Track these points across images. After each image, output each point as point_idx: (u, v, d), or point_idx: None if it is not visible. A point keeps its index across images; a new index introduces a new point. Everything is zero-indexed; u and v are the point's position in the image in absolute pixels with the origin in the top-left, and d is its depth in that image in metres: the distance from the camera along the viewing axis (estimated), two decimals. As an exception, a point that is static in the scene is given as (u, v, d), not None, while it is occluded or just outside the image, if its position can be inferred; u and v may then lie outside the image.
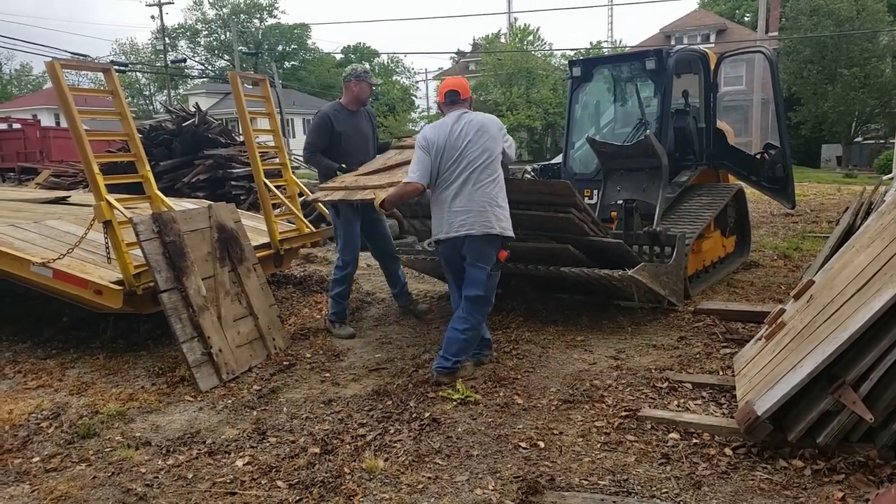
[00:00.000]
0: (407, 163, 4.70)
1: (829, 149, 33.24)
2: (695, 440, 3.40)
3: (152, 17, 68.76)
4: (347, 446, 3.47)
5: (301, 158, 6.49)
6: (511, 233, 4.38)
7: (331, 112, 5.52)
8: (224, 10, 59.48)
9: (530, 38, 44.63)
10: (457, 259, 4.39)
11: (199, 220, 4.87)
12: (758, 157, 7.77)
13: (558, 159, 8.35)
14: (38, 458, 3.45)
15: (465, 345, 4.34)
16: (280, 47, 62.24)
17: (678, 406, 3.83)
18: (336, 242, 5.80)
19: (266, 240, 6.11)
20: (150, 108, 60.20)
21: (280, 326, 5.23)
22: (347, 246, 5.52)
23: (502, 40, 46.98)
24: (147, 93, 64.06)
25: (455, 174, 4.26)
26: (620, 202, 6.22)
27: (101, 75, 5.25)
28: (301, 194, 6.56)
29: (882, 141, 32.74)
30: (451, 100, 4.49)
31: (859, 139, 33.70)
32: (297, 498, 3.00)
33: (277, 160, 6.58)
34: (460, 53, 55.75)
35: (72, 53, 28.67)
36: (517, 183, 5.42)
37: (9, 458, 3.45)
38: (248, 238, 5.27)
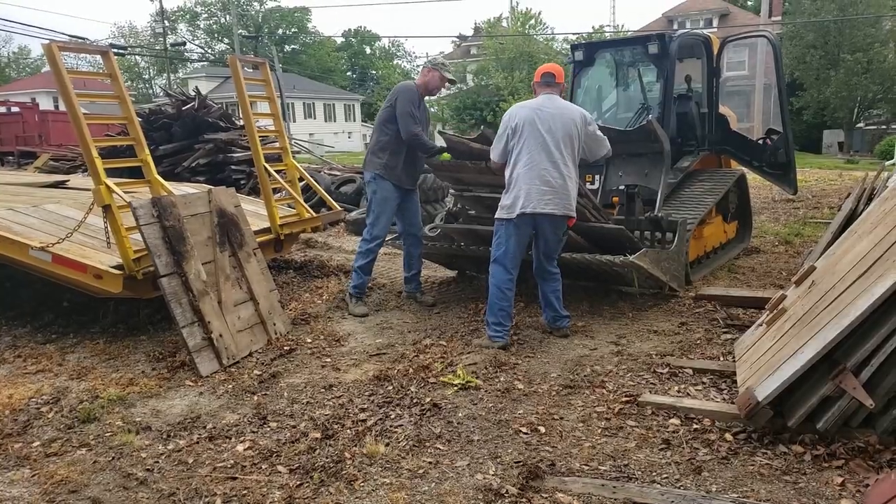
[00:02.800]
0: None
1: (831, 134, 33.10)
2: (695, 425, 3.41)
3: (151, -1, 68.27)
4: (348, 431, 3.47)
5: (300, 143, 6.48)
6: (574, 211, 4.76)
7: (414, 87, 5.61)
8: (223, -8, 59.01)
9: (532, 22, 44.36)
10: (528, 232, 4.69)
11: (199, 204, 4.84)
12: (760, 142, 7.74)
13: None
14: (38, 443, 3.45)
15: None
16: (280, 31, 61.88)
17: (679, 391, 3.84)
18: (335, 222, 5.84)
19: (266, 224, 6.10)
20: (150, 91, 59.99)
21: (281, 311, 5.23)
22: (378, 222, 5.64)
23: (504, 24, 46.70)
24: (146, 76, 63.83)
25: (539, 153, 4.52)
26: (622, 187, 6.20)
27: (99, 59, 5.21)
28: (301, 179, 6.54)
29: (884, 127, 32.62)
30: (546, 81, 4.71)
31: (861, 125, 33.53)
32: (298, 483, 3.00)
33: (277, 144, 6.54)
34: (462, 37, 55.42)
35: (70, 36, 28.48)
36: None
37: (9, 442, 3.45)
38: (248, 223, 5.25)
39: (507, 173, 4.65)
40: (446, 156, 5.54)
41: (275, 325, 5.04)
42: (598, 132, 4.80)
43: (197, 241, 4.64)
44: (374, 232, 5.65)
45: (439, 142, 6.32)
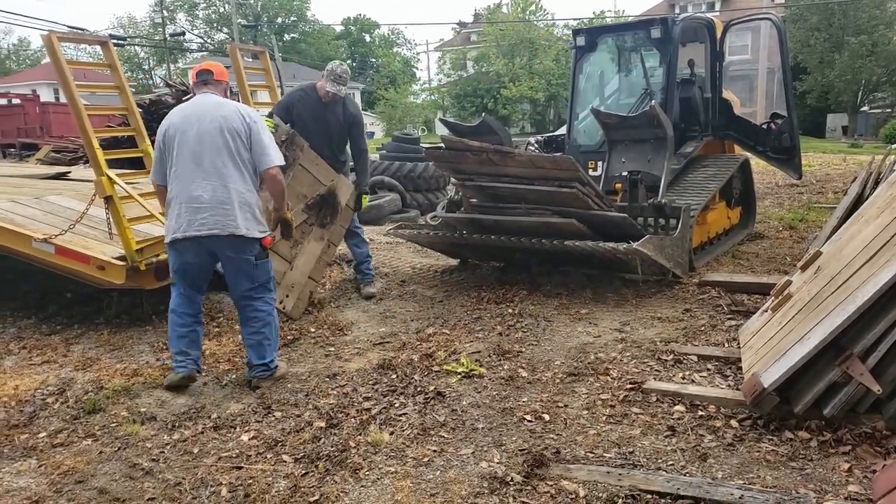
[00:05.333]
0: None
1: (835, 118, 32.85)
2: (700, 412, 3.40)
3: (150, -11, 67.86)
4: (353, 420, 3.47)
5: None
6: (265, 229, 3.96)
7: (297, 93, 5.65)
8: (222, -19, 58.66)
9: (532, 7, 44.04)
10: (200, 258, 3.90)
11: (322, 172, 5.34)
12: (764, 127, 7.69)
13: (562, 131, 8.28)
14: (44, 434, 3.46)
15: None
16: (279, 19, 61.52)
17: (683, 378, 3.83)
18: None
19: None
20: (150, 82, 59.74)
21: (299, 297, 5.20)
22: None
23: (504, 10, 46.37)
24: (146, 67, 63.57)
25: (188, 163, 3.80)
26: (625, 174, 6.17)
27: (99, 50, 5.18)
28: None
29: (889, 110, 32.36)
30: (202, 79, 3.96)
31: (865, 108, 33.27)
32: (303, 472, 3.01)
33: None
34: (462, 24, 55.13)
35: (69, 27, 28.34)
36: (520, 158, 5.37)
37: (15, 433, 3.46)
38: (344, 221, 5.59)
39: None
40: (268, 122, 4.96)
41: (286, 297, 5.03)
42: (264, 135, 3.91)
43: (296, 190, 5.07)
44: None
45: (441, 129, 6.31)
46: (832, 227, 5.66)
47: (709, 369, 3.94)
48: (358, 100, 54.25)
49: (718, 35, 7.36)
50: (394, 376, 4.03)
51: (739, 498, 2.61)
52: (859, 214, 4.47)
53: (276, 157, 3.92)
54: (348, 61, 64.67)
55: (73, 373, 4.25)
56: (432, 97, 47.66)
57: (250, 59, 6.57)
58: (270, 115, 5.21)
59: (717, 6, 38.27)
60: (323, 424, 3.43)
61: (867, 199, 5.22)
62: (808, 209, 9.35)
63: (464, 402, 3.65)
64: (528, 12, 43.64)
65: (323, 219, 5.40)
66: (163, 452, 3.25)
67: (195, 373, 3.94)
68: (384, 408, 3.61)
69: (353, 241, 5.96)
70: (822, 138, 30.74)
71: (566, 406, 3.57)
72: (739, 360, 3.90)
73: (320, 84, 5.50)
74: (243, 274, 3.93)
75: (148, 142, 5.13)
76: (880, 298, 2.97)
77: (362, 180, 5.76)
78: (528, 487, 2.81)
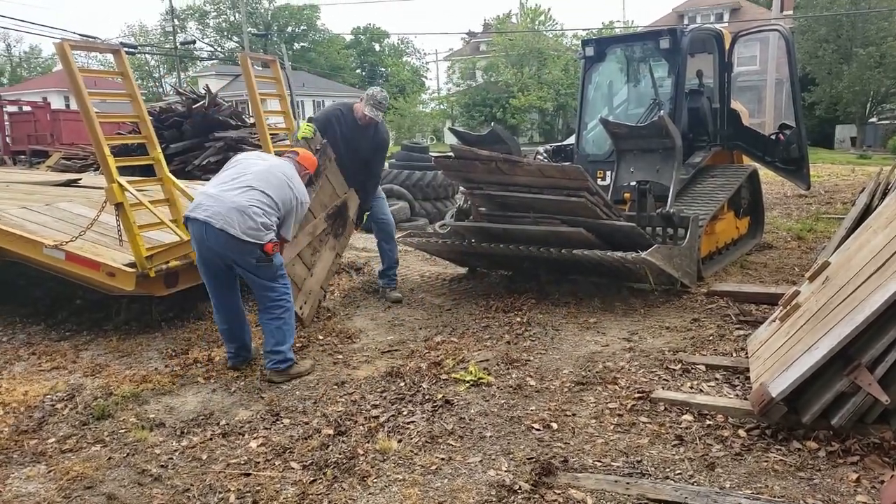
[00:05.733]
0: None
1: (844, 129, 32.73)
2: (708, 422, 3.39)
3: (161, -2, 68.50)
4: (361, 427, 3.48)
5: None
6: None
7: (340, 108, 5.75)
8: (233, -10, 59.15)
9: (541, 18, 44.19)
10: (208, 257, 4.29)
11: (340, 186, 5.50)
12: (772, 137, 7.68)
13: (571, 140, 8.29)
14: (53, 440, 3.48)
15: None
16: (289, 28, 61.95)
17: (691, 388, 3.82)
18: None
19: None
20: (160, 90, 60.24)
21: (315, 303, 5.29)
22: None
23: (513, 20, 46.55)
24: (157, 75, 64.10)
25: (236, 179, 4.20)
26: (633, 184, 6.17)
27: (110, 58, 5.24)
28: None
29: (897, 121, 32.20)
30: (289, 154, 4.64)
31: (874, 119, 33.14)
32: (311, 479, 3.01)
33: (288, 142, 6.56)
34: (471, 34, 55.30)
35: (81, 35, 28.59)
36: (528, 167, 5.39)
37: (25, 439, 3.48)
38: (352, 232, 5.85)
39: None
40: (307, 128, 5.30)
41: (304, 303, 5.08)
42: (296, 216, 4.31)
43: (319, 199, 5.23)
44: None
45: (450, 139, 6.40)
46: (840, 237, 5.65)
47: (717, 379, 3.93)
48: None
49: (727, 46, 7.37)
50: (402, 384, 4.04)
51: (748, 508, 2.60)
52: (867, 225, 4.46)
53: (289, 234, 4.36)
54: (357, 70, 65.10)
55: (83, 379, 4.28)
56: (441, 106, 47.75)
57: (260, 68, 6.63)
58: (310, 121, 5.35)
59: (726, 17, 38.33)
60: (331, 432, 3.44)
61: (875, 209, 5.21)
62: (817, 219, 9.32)
63: (472, 411, 3.65)
64: (537, 22, 43.79)
65: (337, 229, 5.50)
66: (171, 459, 3.26)
67: (238, 362, 4.39)
68: (392, 415, 3.62)
69: (389, 246, 6.10)
70: (831, 149, 30.61)
71: (574, 415, 3.57)
72: (747, 369, 3.89)
73: (358, 106, 5.62)
74: (252, 273, 4.15)
75: (159, 149, 5.18)
76: (888, 309, 2.96)
77: (367, 199, 5.88)
78: (536, 496, 2.81)
